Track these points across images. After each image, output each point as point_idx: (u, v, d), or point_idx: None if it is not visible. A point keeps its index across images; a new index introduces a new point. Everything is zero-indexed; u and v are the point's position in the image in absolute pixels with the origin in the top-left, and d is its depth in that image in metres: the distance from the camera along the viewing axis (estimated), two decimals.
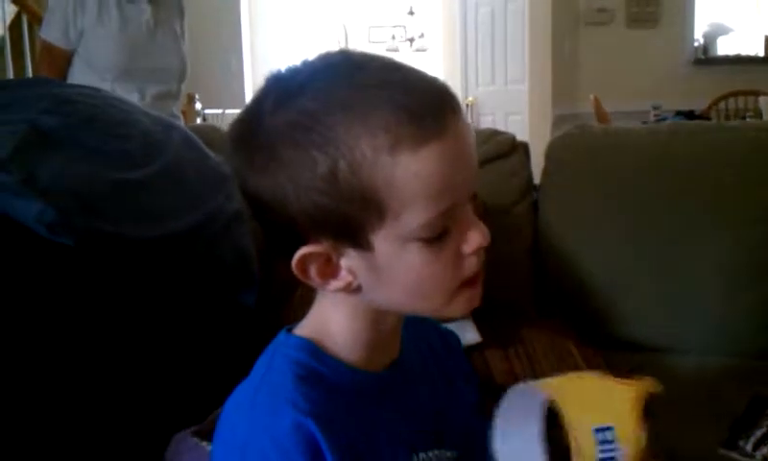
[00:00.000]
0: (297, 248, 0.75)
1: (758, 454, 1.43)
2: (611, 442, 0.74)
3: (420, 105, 0.71)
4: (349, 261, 0.76)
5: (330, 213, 0.72)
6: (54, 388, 1.20)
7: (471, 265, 0.77)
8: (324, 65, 0.76)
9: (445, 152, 0.71)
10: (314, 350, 0.81)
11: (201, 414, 1.29)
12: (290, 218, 0.74)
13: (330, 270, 0.77)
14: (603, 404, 0.78)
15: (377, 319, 0.82)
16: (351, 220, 0.72)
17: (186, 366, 1.40)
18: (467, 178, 0.75)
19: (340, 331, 0.82)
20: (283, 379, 0.77)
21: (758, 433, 1.48)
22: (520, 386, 0.80)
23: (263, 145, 0.73)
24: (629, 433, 0.75)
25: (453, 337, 1.04)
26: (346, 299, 0.80)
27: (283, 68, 0.77)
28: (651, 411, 0.77)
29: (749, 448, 1.44)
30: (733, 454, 1.44)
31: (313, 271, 0.77)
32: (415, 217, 0.71)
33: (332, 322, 0.82)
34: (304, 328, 0.84)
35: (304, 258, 0.76)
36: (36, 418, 1.16)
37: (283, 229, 0.76)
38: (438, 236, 0.74)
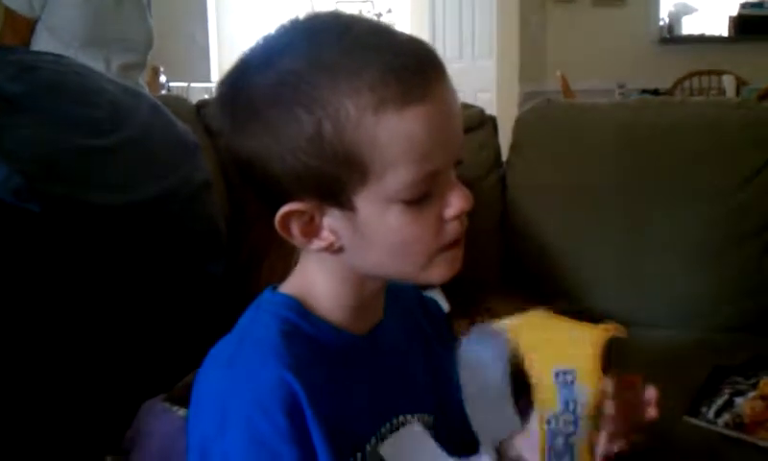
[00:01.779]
0: (280, 205, 0.76)
1: (720, 421, 1.46)
2: (571, 384, 0.75)
3: (406, 66, 0.71)
4: (332, 221, 0.76)
5: (314, 173, 0.72)
6: (19, 356, 1.19)
7: (453, 230, 0.77)
8: (313, 25, 0.76)
9: (430, 114, 0.71)
10: (299, 308, 0.81)
11: (169, 381, 1.29)
12: (274, 177, 0.74)
13: (313, 229, 0.77)
14: (565, 347, 0.78)
15: (360, 282, 0.82)
16: (335, 180, 0.72)
17: (154, 334, 1.40)
18: (450, 143, 0.75)
19: (324, 292, 0.82)
20: (268, 334, 0.78)
21: (720, 401, 1.51)
22: (484, 327, 0.79)
23: (249, 104, 0.73)
24: (590, 375, 0.76)
25: (434, 304, 1.04)
26: (329, 259, 0.80)
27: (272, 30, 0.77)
28: (613, 357, 0.78)
29: (711, 415, 1.48)
30: (696, 421, 1.47)
31: (295, 229, 0.77)
32: (397, 178, 0.72)
33: (316, 283, 0.82)
34: (289, 287, 0.84)
35: (287, 216, 0.76)
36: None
37: (267, 187, 0.76)
38: (420, 199, 0.74)
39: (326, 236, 0.77)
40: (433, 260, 0.78)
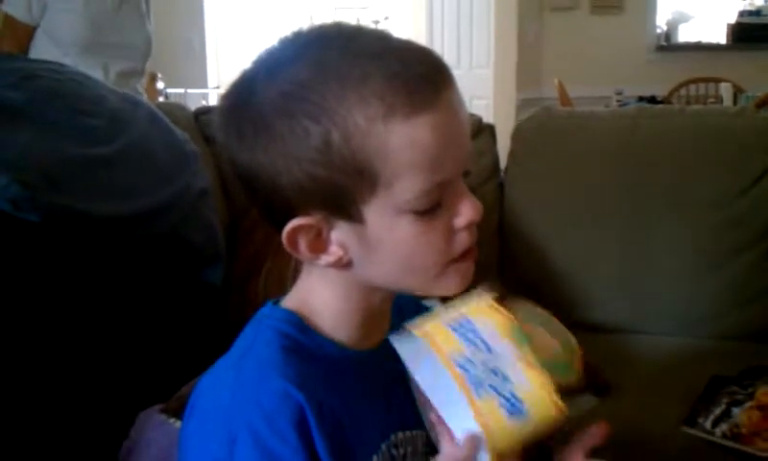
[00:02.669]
0: (287, 221, 0.75)
1: (718, 431, 1.45)
2: (467, 323, 0.74)
3: (414, 75, 0.70)
4: (340, 235, 0.75)
5: (322, 184, 0.71)
6: (16, 366, 1.18)
7: (463, 241, 0.76)
8: (317, 36, 0.75)
9: (439, 122, 0.71)
10: (300, 324, 0.80)
11: (167, 391, 1.29)
12: (281, 190, 0.73)
13: (320, 244, 0.76)
14: (454, 308, 0.77)
15: (365, 297, 0.81)
16: (344, 191, 0.71)
17: (152, 343, 1.40)
18: (459, 151, 0.74)
19: (326, 308, 0.81)
20: (270, 351, 0.76)
21: (717, 411, 1.51)
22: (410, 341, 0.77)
23: (255, 116, 0.73)
24: (482, 311, 0.75)
25: None
26: (334, 275, 0.79)
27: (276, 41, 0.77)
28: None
29: (708, 425, 1.47)
30: (694, 432, 1.47)
31: (303, 245, 0.76)
32: (407, 188, 0.71)
33: (319, 298, 0.81)
34: (291, 302, 0.83)
35: (295, 231, 0.75)
36: None
37: (274, 201, 0.75)
38: (430, 209, 0.73)
39: (335, 251, 0.76)
40: (444, 272, 0.77)
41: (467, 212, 0.75)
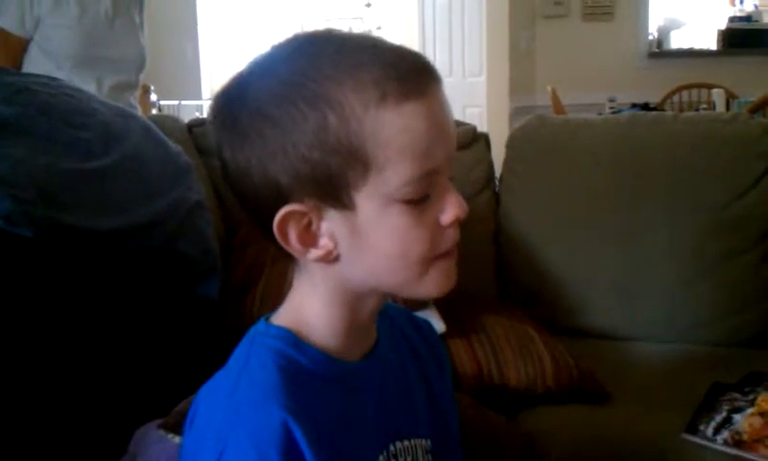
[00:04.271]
0: (276, 213, 0.75)
1: (719, 438, 1.45)
2: None
3: (406, 66, 0.73)
4: (331, 225, 0.76)
5: (317, 168, 0.72)
6: (13, 381, 1.17)
7: (449, 238, 0.78)
8: (313, 35, 0.78)
9: (429, 111, 0.73)
10: (294, 340, 0.80)
11: (164, 406, 1.28)
12: (274, 178, 0.74)
13: (310, 237, 0.76)
14: None
15: (355, 304, 0.82)
16: (337, 175, 0.72)
17: (150, 358, 1.39)
18: (448, 141, 0.76)
19: (318, 319, 0.81)
20: (264, 372, 0.76)
21: (718, 418, 1.50)
22: None
23: (251, 107, 0.74)
24: None
25: (428, 327, 1.03)
26: (322, 280, 0.79)
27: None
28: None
29: (709, 432, 1.47)
30: (695, 439, 1.47)
31: (293, 235, 0.76)
32: (398, 174, 0.72)
33: (310, 309, 0.81)
34: (283, 317, 0.83)
35: (286, 218, 0.75)
36: None
37: (265, 192, 0.75)
38: (419, 200, 0.74)
39: (324, 244, 0.76)
40: (429, 269, 0.78)
41: (452, 209, 0.77)
